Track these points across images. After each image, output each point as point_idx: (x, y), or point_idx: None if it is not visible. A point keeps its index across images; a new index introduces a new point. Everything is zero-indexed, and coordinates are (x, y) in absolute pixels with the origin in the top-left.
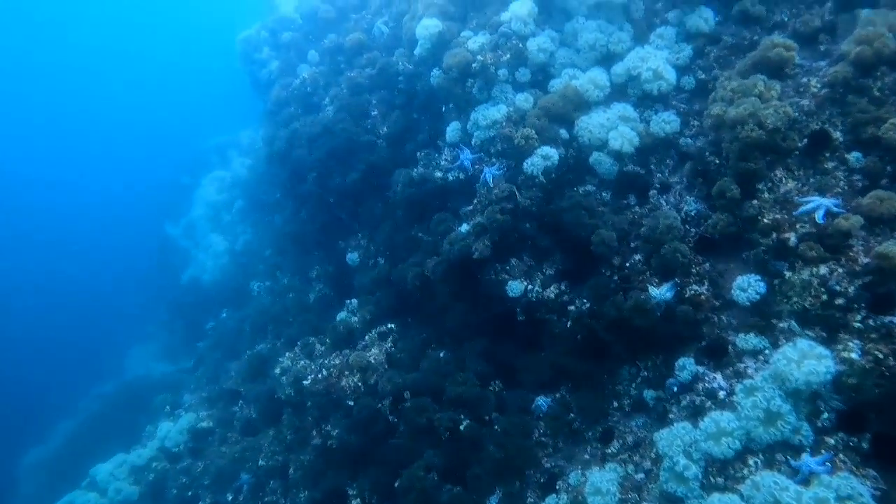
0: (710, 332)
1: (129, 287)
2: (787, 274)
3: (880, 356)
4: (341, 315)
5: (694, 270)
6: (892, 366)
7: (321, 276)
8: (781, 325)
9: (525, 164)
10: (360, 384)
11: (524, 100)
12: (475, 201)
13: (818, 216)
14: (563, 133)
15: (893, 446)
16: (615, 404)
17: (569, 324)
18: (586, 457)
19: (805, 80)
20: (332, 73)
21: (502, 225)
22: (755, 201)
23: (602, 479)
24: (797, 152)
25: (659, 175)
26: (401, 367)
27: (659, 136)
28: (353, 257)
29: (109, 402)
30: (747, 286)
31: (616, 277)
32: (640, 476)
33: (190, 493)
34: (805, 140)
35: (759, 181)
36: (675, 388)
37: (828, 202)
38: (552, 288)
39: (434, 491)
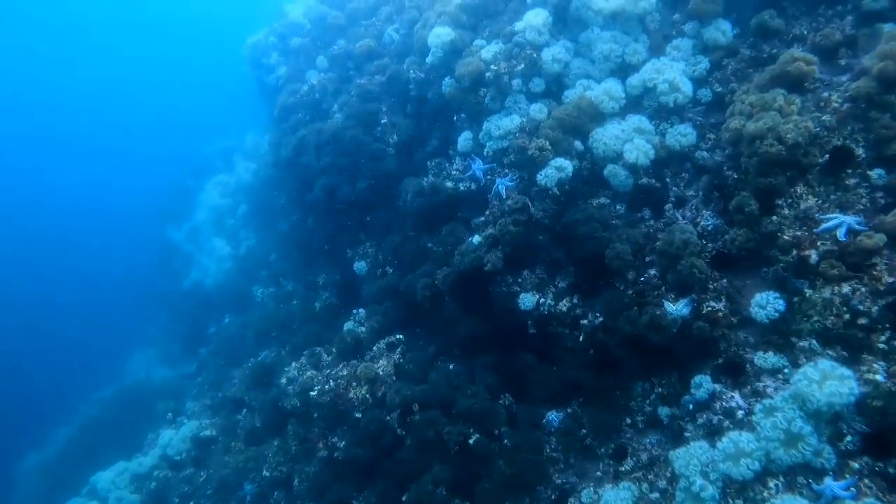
0: (727, 350)
1: (131, 291)
2: (808, 292)
3: None
4: (348, 325)
5: (711, 286)
6: None
7: (327, 284)
8: (801, 343)
9: (539, 175)
10: (368, 396)
11: (538, 110)
12: (487, 212)
13: (840, 234)
14: (578, 145)
15: None
16: (628, 420)
17: (581, 338)
18: (598, 474)
19: (826, 94)
20: (341, 79)
21: (515, 237)
22: (775, 217)
23: (617, 498)
24: (818, 168)
25: (674, 188)
26: (409, 379)
27: (675, 148)
28: (360, 266)
29: (109, 407)
30: (766, 303)
31: (630, 292)
32: (656, 495)
33: (192, 503)
34: (826, 156)
35: (779, 197)
36: (691, 406)
37: (850, 219)
38: (564, 301)
39: None
